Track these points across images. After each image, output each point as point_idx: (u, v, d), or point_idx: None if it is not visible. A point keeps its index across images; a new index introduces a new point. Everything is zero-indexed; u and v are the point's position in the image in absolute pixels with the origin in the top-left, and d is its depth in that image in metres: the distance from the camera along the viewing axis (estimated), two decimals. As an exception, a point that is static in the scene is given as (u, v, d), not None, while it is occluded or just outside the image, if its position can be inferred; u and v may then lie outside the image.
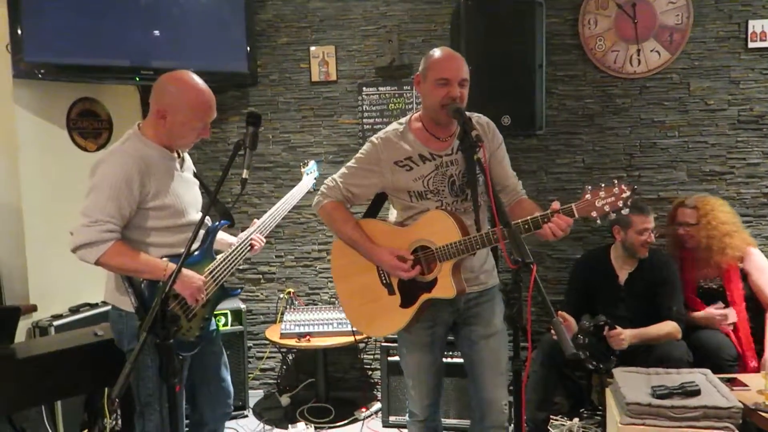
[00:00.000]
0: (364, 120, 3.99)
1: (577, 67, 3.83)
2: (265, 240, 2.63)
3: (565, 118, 3.87)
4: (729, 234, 3.24)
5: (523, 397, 1.72)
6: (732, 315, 3.15)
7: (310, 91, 4.04)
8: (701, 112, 3.76)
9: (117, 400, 1.63)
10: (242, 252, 2.47)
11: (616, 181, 1.99)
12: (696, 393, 2.52)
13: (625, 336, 2.93)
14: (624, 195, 1.96)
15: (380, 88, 3.96)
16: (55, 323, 3.27)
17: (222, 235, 2.57)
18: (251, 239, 2.54)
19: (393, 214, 2.45)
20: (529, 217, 2.05)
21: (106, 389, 3.00)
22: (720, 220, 3.27)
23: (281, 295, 4.12)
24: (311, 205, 3.91)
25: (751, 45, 3.67)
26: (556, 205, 2.03)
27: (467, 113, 2.19)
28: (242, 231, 2.59)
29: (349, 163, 2.39)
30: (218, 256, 2.37)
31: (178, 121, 2.18)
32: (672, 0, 3.68)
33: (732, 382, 2.77)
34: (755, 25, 3.65)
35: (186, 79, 2.20)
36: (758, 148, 3.72)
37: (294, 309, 3.92)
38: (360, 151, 2.37)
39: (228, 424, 3.46)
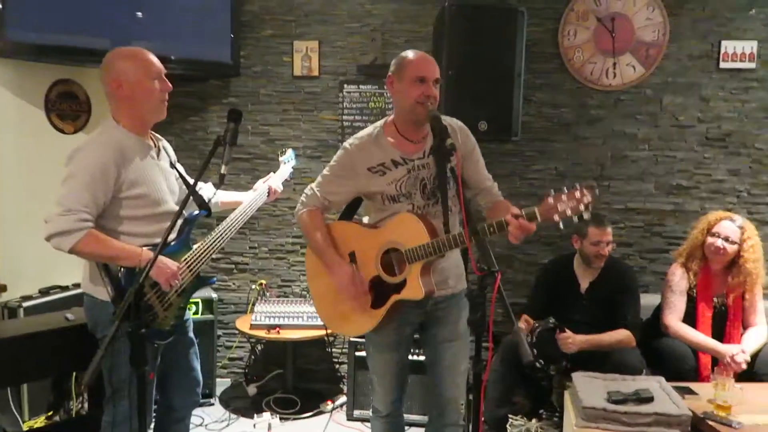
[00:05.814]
0: (344, 117, 4.03)
1: (556, 76, 3.92)
2: (282, 188, 2.88)
3: (542, 125, 3.95)
4: (760, 261, 3.29)
5: (482, 397, 1.79)
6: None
7: (292, 85, 4.07)
8: (672, 127, 3.88)
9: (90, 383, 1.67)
10: (257, 204, 2.70)
11: (577, 185, 2.02)
12: (649, 400, 2.62)
13: (573, 340, 3.04)
14: (585, 199, 1.99)
15: (362, 86, 4.00)
16: (25, 304, 3.26)
17: (230, 195, 2.76)
18: (269, 186, 2.78)
19: (366, 217, 2.50)
20: (494, 221, 2.11)
21: (75, 373, 3.02)
22: (759, 247, 3.30)
23: (253, 286, 4.15)
24: (287, 198, 4.02)
25: (722, 65, 3.79)
26: (516, 209, 2.08)
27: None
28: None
29: (324, 171, 2.43)
30: (194, 246, 2.40)
31: (133, 81, 2.21)
32: (650, 17, 3.78)
33: (684, 391, 2.88)
34: (728, 46, 3.77)
35: (117, 49, 2.28)
36: (724, 165, 3.86)
37: (265, 300, 3.95)
38: (334, 158, 2.41)
39: (194, 411, 3.50)
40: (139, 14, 3.64)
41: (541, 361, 3.07)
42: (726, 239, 3.26)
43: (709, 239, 3.31)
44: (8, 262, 3.40)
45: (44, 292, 3.44)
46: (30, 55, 3.35)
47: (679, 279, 3.36)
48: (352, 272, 2.33)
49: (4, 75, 3.35)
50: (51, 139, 3.58)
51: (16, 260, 3.41)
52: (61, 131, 3.67)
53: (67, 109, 3.70)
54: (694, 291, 3.34)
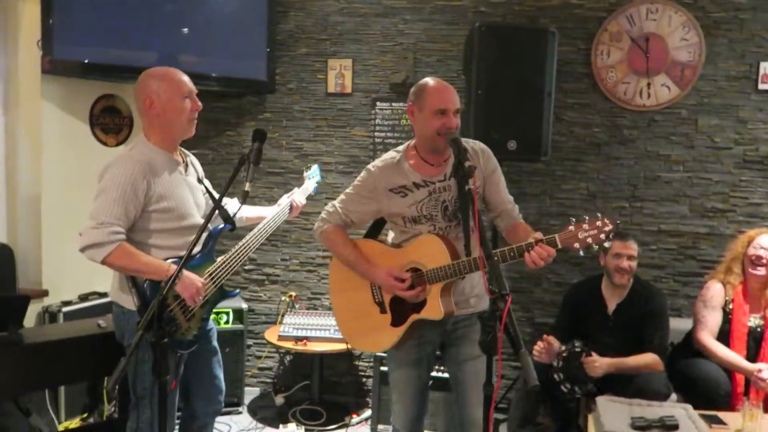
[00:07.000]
0: (376, 133, 4.09)
1: (587, 96, 3.90)
2: (304, 202, 2.94)
3: (573, 144, 3.94)
4: None
5: (491, 420, 1.80)
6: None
7: (325, 102, 4.16)
8: (707, 148, 3.81)
9: (115, 390, 1.75)
10: (280, 219, 2.77)
11: (599, 215, 2.06)
12: (674, 427, 2.58)
13: (599, 363, 3.01)
14: (606, 228, 2.04)
15: (393, 104, 4.06)
16: (65, 309, 3.42)
17: (254, 210, 2.81)
18: (291, 201, 2.85)
19: (391, 236, 2.55)
20: (515, 245, 2.13)
21: (106, 378, 3.14)
22: None
23: (283, 298, 4.23)
24: (319, 212, 4.09)
25: (761, 86, 3.71)
26: (538, 234, 2.11)
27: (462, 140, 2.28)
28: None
29: (347, 190, 2.49)
30: (218, 259, 2.49)
31: (164, 99, 2.30)
32: (685, 37, 3.73)
33: (712, 420, 2.81)
34: (766, 67, 3.69)
35: (151, 69, 2.39)
36: (762, 188, 3.76)
37: (294, 312, 4.03)
38: (358, 178, 2.47)
39: (222, 419, 3.59)
40: (181, 36, 3.78)
41: (567, 384, 3.05)
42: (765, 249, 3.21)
43: (750, 250, 3.27)
44: (51, 268, 3.56)
45: (83, 297, 3.59)
46: (76, 72, 3.52)
47: (713, 294, 3.31)
48: (388, 268, 2.37)
49: (53, 91, 3.53)
50: (94, 152, 3.75)
51: (58, 267, 3.57)
52: (104, 144, 3.84)
53: (110, 123, 3.87)
54: (730, 306, 3.27)
